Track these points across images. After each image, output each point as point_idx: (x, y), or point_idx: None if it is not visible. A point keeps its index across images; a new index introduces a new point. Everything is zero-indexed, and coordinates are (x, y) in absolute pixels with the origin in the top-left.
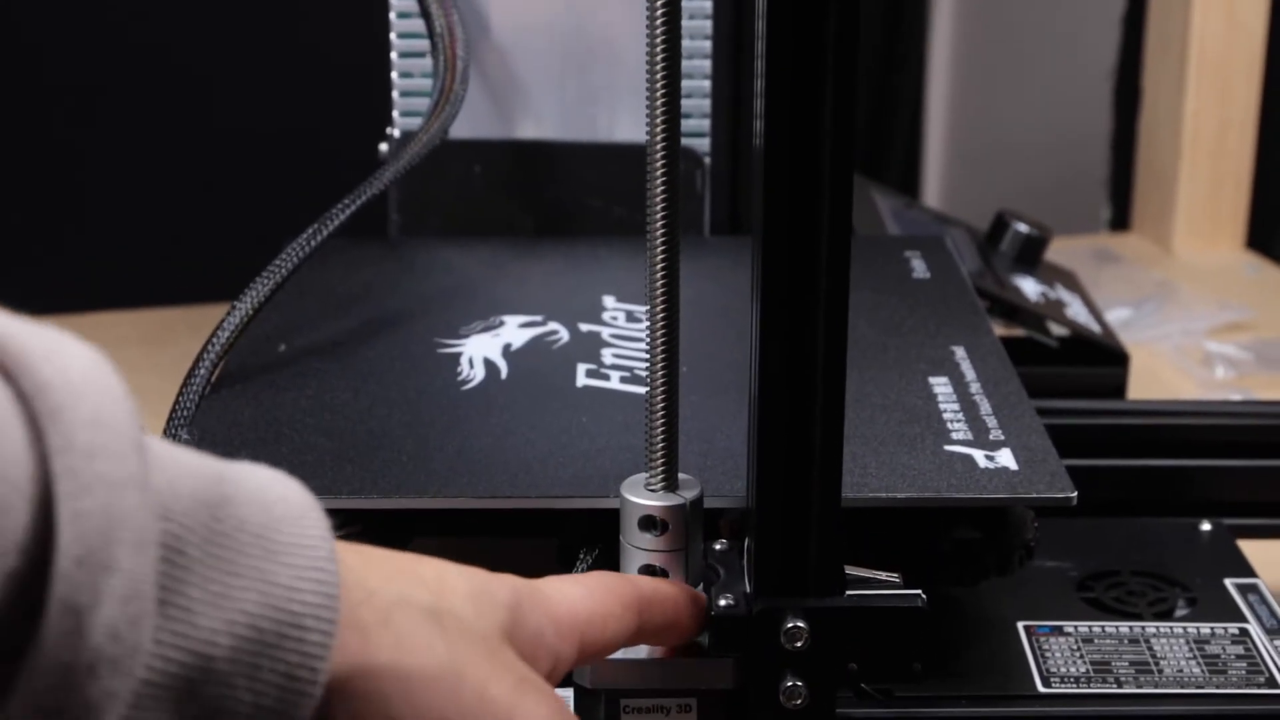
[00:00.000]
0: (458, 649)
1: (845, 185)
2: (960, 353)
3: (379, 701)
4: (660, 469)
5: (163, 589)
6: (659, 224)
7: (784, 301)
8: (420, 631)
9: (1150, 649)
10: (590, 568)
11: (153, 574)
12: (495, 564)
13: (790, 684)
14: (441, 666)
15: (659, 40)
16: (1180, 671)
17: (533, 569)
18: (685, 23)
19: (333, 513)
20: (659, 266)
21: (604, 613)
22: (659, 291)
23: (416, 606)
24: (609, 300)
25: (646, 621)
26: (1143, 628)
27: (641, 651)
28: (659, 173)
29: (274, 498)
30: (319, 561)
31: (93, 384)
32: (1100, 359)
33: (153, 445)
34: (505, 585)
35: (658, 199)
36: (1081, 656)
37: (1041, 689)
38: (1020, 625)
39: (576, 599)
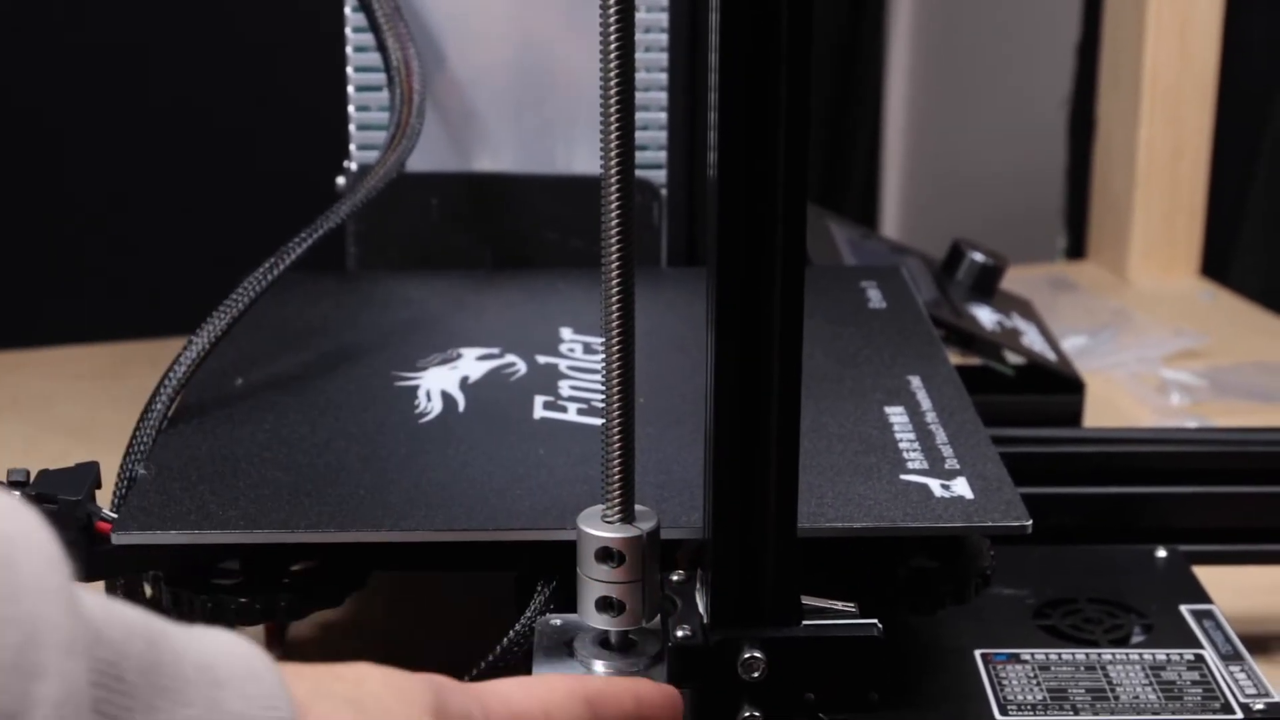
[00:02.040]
0: None
1: (799, 215)
2: (916, 382)
3: None
4: (617, 500)
5: (101, 713)
6: (614, 256)
7: (739, 332)
8: (343, 716)
9: (1107, 676)
10: (547, 600)
11: (86, 686)
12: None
13: (748, 714)
14: None
15: (613, 71)
16: (1136, 698)
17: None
18: (640, 54)
19: (290, 547)
20: (614, 298)
21: (543, 700)
22: (614, 323)
23: (339, 697)
24: (566, 332)
25: (602, 713)
26: (1099, 655)
27: None
28: (613, 204)
29: (206, 634)
30: (271, 687)
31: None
32: (1056, 387)
33: (84, 597)
34: (425, 677)
35: (612, 230)
36: (1038, 684)
37: (999, 717)
38: (977, 653)
39: (509, 689)
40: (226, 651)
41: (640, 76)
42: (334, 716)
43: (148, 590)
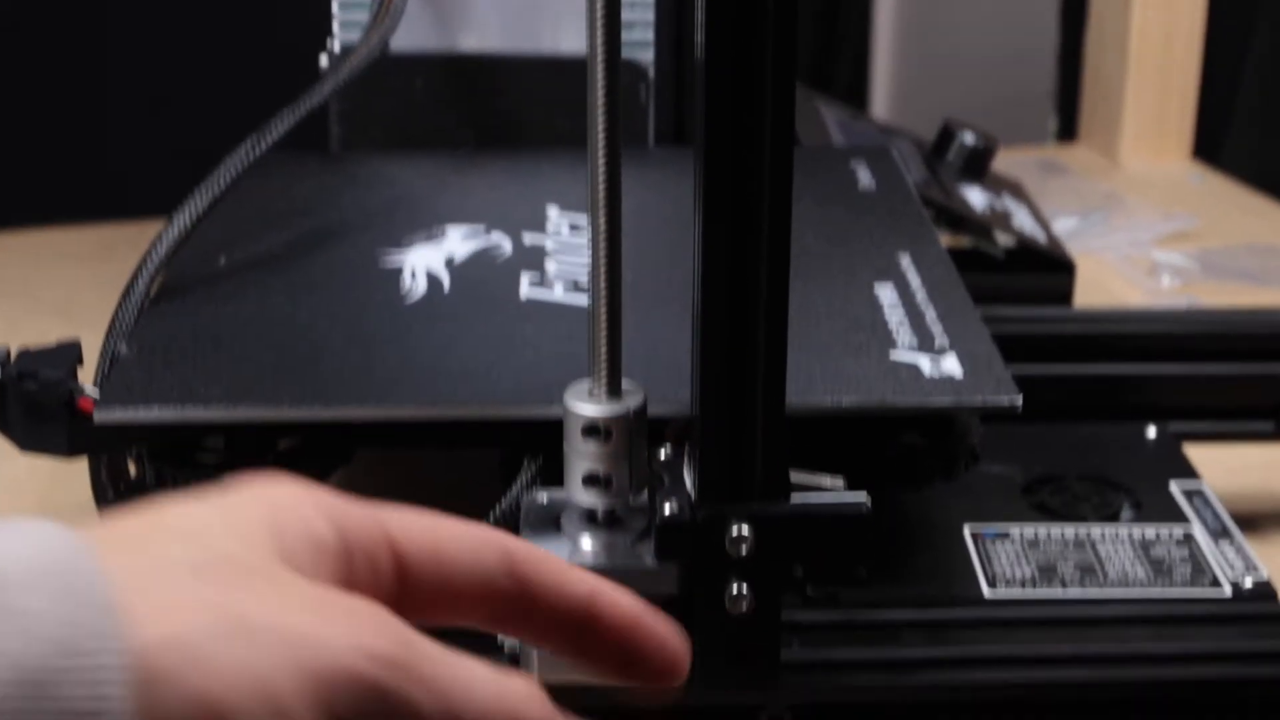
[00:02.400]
0: (232, 595)
1: (788, 93)
2: (906, 261)
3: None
4: (604, 376)
5: None
6: (600, 135)
7: (727, 211)
8: (187, 591)
9: (1095, 552)
10: (534, 477)
11: None
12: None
13: (735, 590)
14: (224, 621)
15: None
16: (1125, 574)
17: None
18: None
19: (275, 425)
20: (600, 176)
21: (415, 519)
22: (601, 201)
23: (179, 563)
24: (553, 211)
25: (523, 564)
26: (1088, 531)
27: (588, 559)
28: (599, 83)
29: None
30: (77, 578)
31: None
32: (1046, 268)
33: None
34: (270, 511)
35: (598, 109)
36: (1027, 560)
37: (987, 592)
38: (966, 529)
39: (376, 508)
40: (21, 545)
41: None
42: (173, 590)
43: (132, 469)
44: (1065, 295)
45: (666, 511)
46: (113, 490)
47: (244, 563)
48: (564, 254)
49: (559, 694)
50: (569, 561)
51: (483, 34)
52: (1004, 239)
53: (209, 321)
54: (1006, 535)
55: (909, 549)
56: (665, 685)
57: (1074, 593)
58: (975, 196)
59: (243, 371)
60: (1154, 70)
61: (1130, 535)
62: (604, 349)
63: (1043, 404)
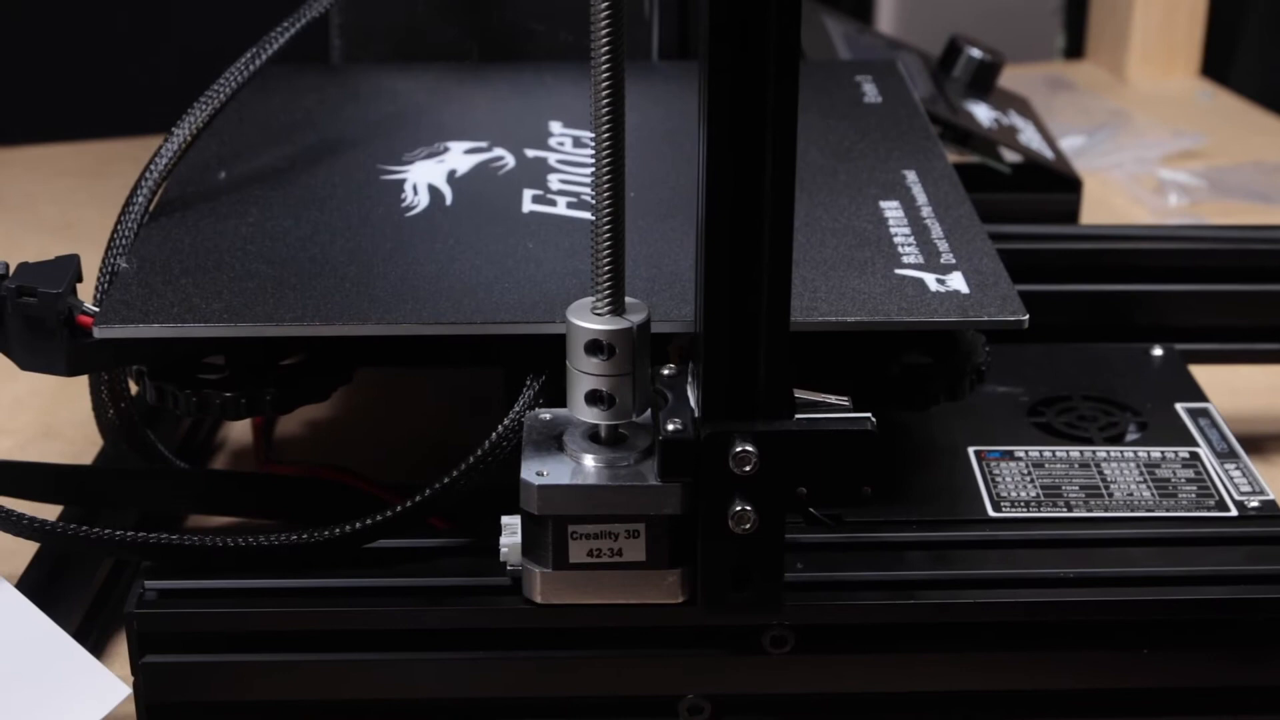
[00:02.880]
0: None
1: (793, 5)
2: (911, 176)
3: None
4: (607, 293)
5: None
6: (603, 48)
7: (731, 125)
8: None
9: (1101, 473)
10: (536, 394)
11: None
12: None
13: (739, 508)
14: None
15: None
16: (1130, 495)
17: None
18: None
19: (275, 340)
20: (604, 91)
21: None
22: (604, 115)
23: None
24: (555, 126)
25: None
26: (1093, 452)
27: (590, 477)
28: None
29: None
30: None
31: None
32: (1053, 185)
33: None
34: None
35: (602, 22)
36: (1032, 481)
37: (992, 513)
38: (970, 450)
39: None
40: None
41: None
42: None
43: (132, 387)
44: (1072, 214)
45: (670, 429)
46: (114, 409)
47: None
48: (567, 169)
49: (563, 613)
50: (571, 481)
51: None
52: (1010, 156)
53: (209, 237)
54: (1011, 456)
55: (914, 470)
56: None
57: (1079, 514)
58: (981, 112)
59: (243, 287)
60: None
61: (1136, 456)
62: (607, 265)
63: (1048, 324)
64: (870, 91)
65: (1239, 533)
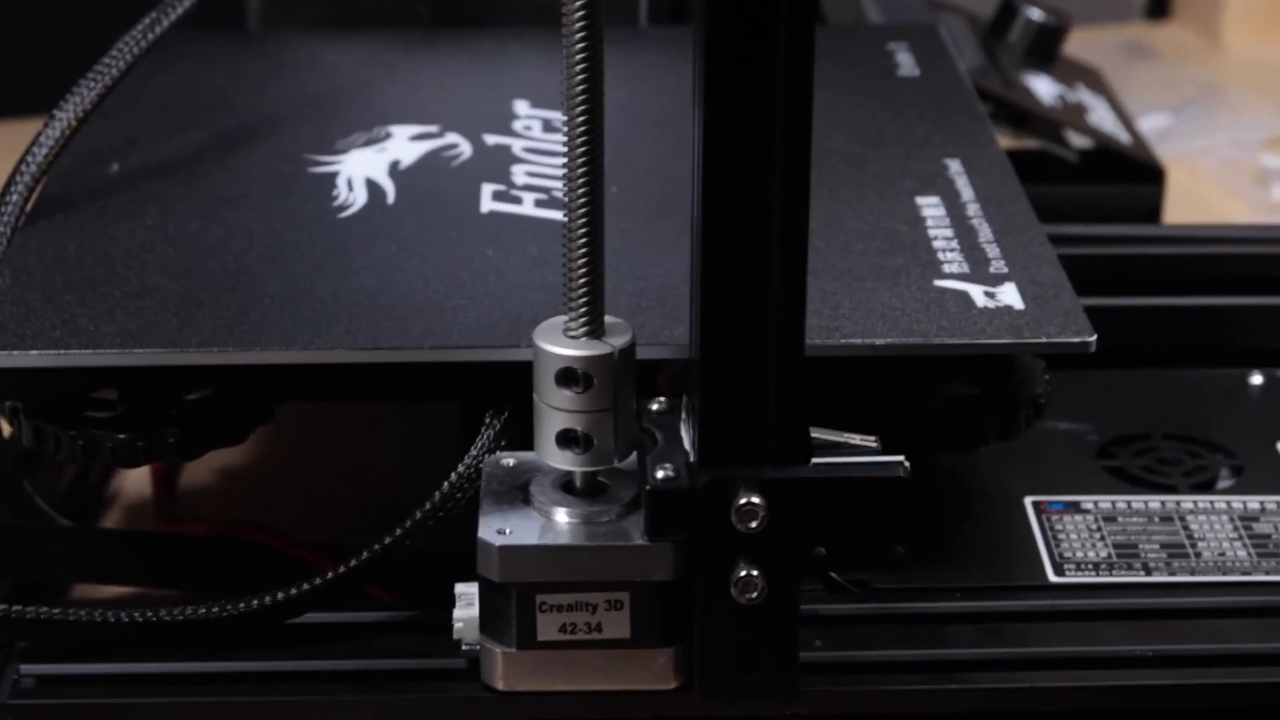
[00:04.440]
0: None
1: None
2: (955, 167)
3: None
4: (582, 311)
5: None
6: (577, 10)
7: (733, 103)
8: None
9: (1186, 528)
10: (497, 435)
11: None
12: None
13: (744, 573)
14: None
15: None
16: (1223, 555)
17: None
18: None
19: (180, 370)
20: (579, 64)
21: None
22: (579, 94)
23: None
24: (521, 106)
25: None
26: (1177, 503)
27: (563, 536)
28: None
29: None
30: None
31: None
32: (1130, 176)
33: None
34: None
35: None
36: (1102, 538)
37: (1053, 578)
38: (1028, 501)
39: None
40: None
41: None
42: None
43: (5, 427)
44: (1154, 210)
45: (659, 477)
46: None
47: None
48: (535, 159)
49: (530, 703)
50: (540, 541)
51: None
52: (1078, 140)
53: (99, 243)
54: (1077, 508)
55: (958, 525)
56: None
57: (1159, 579)
58: (1043, 87)
59: (141, 305)
60: None
61: (1229, 508)
62: (582, 276)
63: (1122, 345)
64: (906, 62)
65: None
